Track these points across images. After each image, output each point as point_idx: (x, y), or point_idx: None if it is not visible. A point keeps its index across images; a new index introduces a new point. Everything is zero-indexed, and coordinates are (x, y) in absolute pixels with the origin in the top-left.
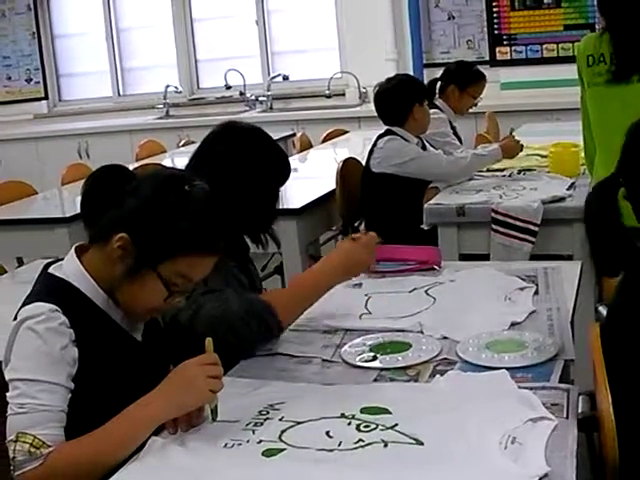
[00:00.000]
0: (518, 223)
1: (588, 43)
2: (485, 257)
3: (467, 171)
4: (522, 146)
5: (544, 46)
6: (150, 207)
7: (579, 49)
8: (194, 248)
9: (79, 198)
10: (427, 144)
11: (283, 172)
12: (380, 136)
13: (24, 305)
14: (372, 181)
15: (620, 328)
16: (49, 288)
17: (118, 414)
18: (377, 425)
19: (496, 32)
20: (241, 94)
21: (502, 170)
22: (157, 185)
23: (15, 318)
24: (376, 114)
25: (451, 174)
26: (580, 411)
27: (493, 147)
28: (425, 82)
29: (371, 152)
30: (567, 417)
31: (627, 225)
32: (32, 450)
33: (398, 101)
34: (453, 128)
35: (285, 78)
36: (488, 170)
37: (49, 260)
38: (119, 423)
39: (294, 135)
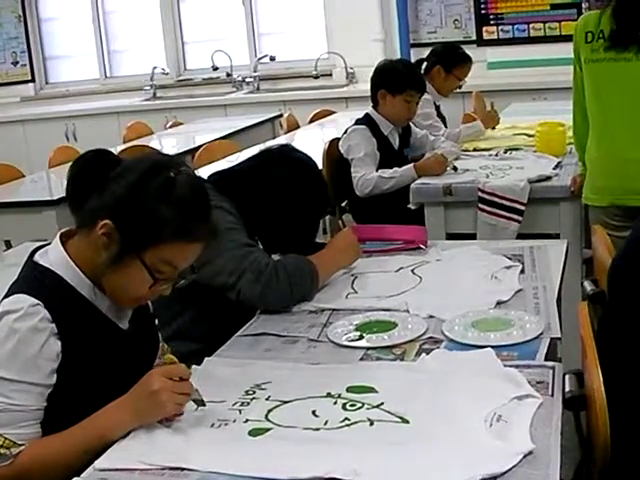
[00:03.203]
0: (505, 202)
1: (588, 20)
2: (472, 236)
3: (372, 193)
4: (499, 120)
5: (531, 25)
6: (134, 193)
7: (578, 26)
8: (178, 235)
9: (66, 181)
10: (412, 126)
11: (323, 204)
12: (357, 121)
13: (7, 295)
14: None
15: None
16: (33, 278)
17: (86, 418)
18: (363, 404)
19: (483, 11)
20: (228, 75)
21: (489, 150)
22: (142, 171)
23: None
24: (363, 95)
25: (360, 192)
26: (567, 390)
27: (405, 167)
28: (412, 61)
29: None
30: (552, 395)
31: None
32: (2, 452)
33: (371, 81)
34: (437, 108)
35: (272, 59)
36: (475, 150)
37: (37, 245)
38: (85, 428)
39: (281, 116)
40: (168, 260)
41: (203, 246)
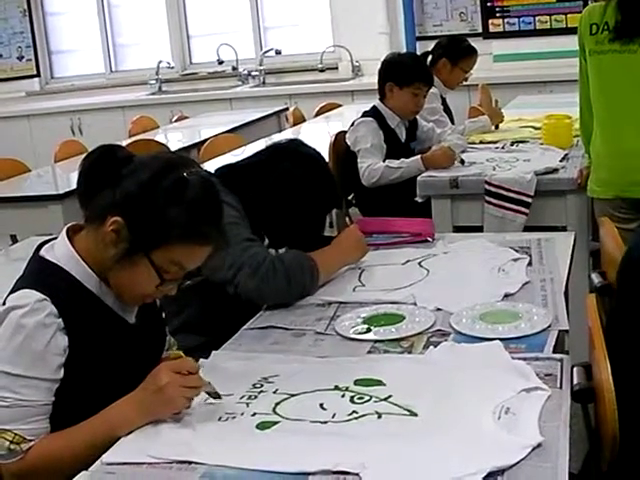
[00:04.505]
0: (511, 195)
1: (593, 12)
2: (479, 229)
3: (379, 183)
4: (503, 117)
5: (537, 18)
6: (145, 192)
7: (582, 18)
8: (188, 236)
9: (72, 175)
10: (418, 119)
11: (331, 200)
12: (364, 113)
13: (13, 289)
14: None
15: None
16: (39, 273)
17: (95, 414)
18: (371, 397)
19: (489, 4)
20: (234, 69)
21: (495, 142)
22: (154, 170)
23: (4, 303)
24: (368, 88)
25: (366, 181)
26: (575, 382)
27: (413, 159)
28: (418, 54)
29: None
30: (561, 387)
31: None
32: (12, 447)
33: (379, 74)
34: (444, 101)
35: (278, 52)
36: (481, 142)
37: (42, 240)
38: (94, 424)
39: (287, 109)
40: (176, 261)
41: (213, 249)
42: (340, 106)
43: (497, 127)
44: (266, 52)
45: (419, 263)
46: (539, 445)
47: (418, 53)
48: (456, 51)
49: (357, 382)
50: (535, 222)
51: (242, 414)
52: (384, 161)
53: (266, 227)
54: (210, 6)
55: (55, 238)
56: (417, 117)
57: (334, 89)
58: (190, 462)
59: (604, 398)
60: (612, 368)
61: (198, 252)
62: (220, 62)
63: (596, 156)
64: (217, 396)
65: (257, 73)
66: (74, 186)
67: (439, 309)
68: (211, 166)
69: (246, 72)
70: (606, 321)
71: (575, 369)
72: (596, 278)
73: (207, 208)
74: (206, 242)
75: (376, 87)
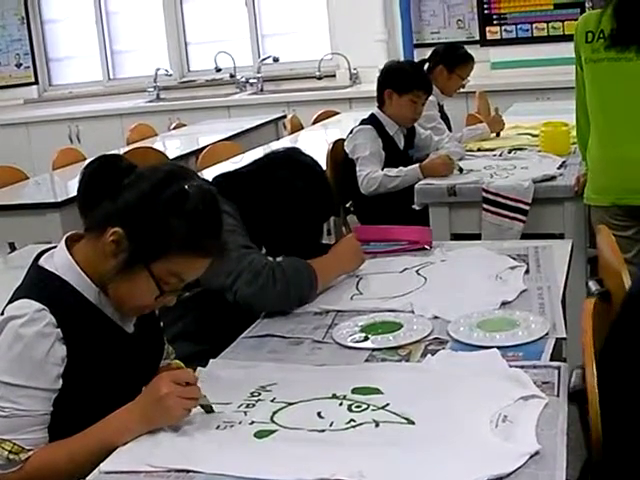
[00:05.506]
0: (509, 202)
1: (588, 20)
2: (476, 237)
3: (377, 191)
4: (503, 124)
5: (534, 25)
6: (146, 203)
7: (578, 25)
8: (188, 248)
9: (71, 183)
10: (416, 126)
11: (328, 208)
12: (362, 121)
13: (12, 299)
14: None
15: None
16: (38, 283)
17: (95, 424)
18: (368, 405)
19: (486, 11)
20: (231, 76)
21: (493, 150)
22: (155, 181)
23: (3, 313)
24: (366, 95)
25: (365, 190)
26: (572, 385)
27: (411, 167)
28: (415, 61)
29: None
30: (558, 395)
31: None
32: (11, 457)
33: (378, 81)
34: (441, 108)
35: (275, 60)
36: (479, 150)
37: (41, 249)
38: (94, 433)
39: (285, 117)
40: (176, 272)
41: (212, 261)
42: (338, 114)
43: (498, 134)
44: (264, 59)
45: (417, 271)
46: (537, 453)
47: (415, 60)
48: (453, 58)
49: (355, 390)
50: (533, 230)
51: (240, 423)
52: (383, 169)
53: (263, 235)
54: (208, 14)
55: (54, 247)
56: (415, 124)
57: (332, 97)
58: (188, 471)
59: (591, 402)
60: (608, 377)
61: (197, 264)
62: (218, 70)
63: (592, 164)
64: (210, 410)
65: (255, 81)
66: (72, 194)
67: (437, 317)
68: (209, 174)
69: (244, 80)
70: (604, 339)
71: (574, 372)
72: (593, 285)
73: (207, 220)
74: (206, 254)
75: (374, 94)
